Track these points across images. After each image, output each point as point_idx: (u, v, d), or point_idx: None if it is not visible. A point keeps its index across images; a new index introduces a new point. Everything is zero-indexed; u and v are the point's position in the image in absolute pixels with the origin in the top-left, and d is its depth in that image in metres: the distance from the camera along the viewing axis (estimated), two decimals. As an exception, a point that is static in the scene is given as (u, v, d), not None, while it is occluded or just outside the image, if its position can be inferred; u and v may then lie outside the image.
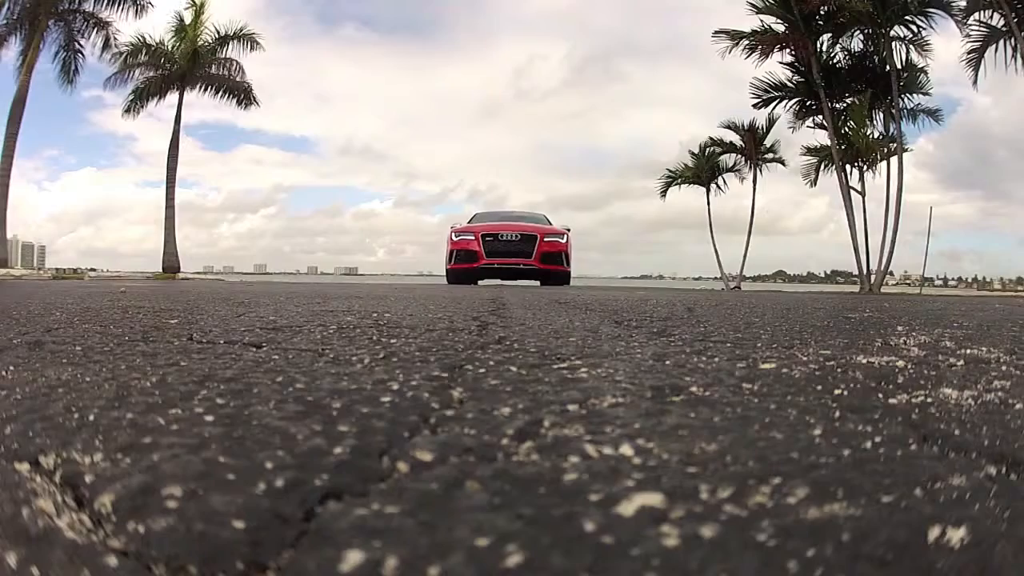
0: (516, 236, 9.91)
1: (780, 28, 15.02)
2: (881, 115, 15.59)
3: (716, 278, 20.47)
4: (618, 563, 0.36)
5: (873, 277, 14.94)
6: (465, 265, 9.86)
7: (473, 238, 9.92)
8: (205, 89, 17.95)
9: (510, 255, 9.85)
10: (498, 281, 10.02)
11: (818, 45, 14.99)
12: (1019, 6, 12.60)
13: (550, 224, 11.07)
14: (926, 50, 14.42)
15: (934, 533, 0.39)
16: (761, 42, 15.35)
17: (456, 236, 10.12)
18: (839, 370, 1.01)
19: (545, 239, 9.97)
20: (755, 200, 19.08)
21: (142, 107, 17.62)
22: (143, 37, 17.02)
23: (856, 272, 15.68)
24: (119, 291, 3.80)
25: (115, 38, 16.82)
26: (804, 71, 15.45)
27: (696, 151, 19.85)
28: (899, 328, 1.89)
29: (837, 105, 15.51)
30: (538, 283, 9.87)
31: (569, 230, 10.73)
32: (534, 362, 1.02)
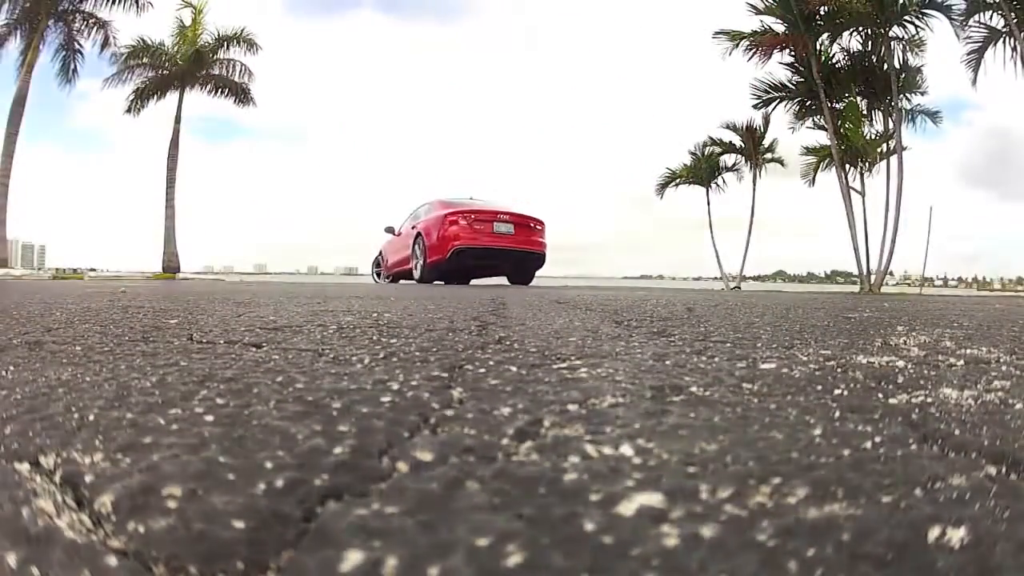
0: None
1: (780, 28, 15.03)
2: (880, 115, 15.61)
3: (716, 278, 20.47)
4: (618, 563, 0.36)
5: (873, 277, 14.95)
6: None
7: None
8: (205, 88, 18.00)
9: None
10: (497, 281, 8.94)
11: (818, 45, 15.01)
12: (1018, 7, 12.61)
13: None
14: (922, 50, 14.47)
15: (934, 533, 0.40)
16: (761, 43, 15.35)
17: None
18: (839, 370, 1.01)
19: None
20: (755, 200, 19.09)
21: (142, 106, 17.66)
22: (143, 39, 17.06)
23: (856, 272, 15.70)
24: (119, 291, 3.81)
25: (115, 38, 16.85)
26: (804, 71, 15.47)
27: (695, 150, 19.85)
28: (899, 328, 1.89)
29: (837, 105, 15.53)
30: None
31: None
32: (534, 362, 1.02)
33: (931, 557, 0.37)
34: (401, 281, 9.67)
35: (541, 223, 8.89)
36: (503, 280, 9.21)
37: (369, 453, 0.54)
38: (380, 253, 10.75)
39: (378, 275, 10.82)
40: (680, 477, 0.49)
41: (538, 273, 9.17)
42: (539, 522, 0.40)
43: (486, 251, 8.23)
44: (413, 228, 9.09)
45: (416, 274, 8.70)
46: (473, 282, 8.83)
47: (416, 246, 8.73)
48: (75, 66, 17.02)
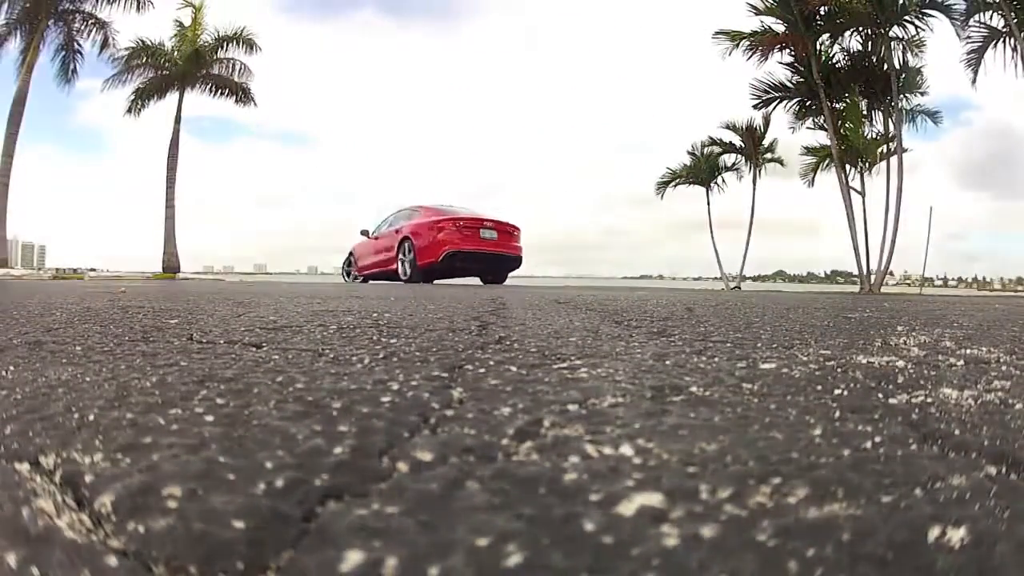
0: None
1: (780, 28, 15.03)
2: (881, 115, 15.60)
3: (716, 278, 20.44)
4: (618, 563, 0.36)
5: (873, 277, 14.94)
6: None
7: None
8: (205, 88, 17.99)
9: None
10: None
11: (818, 45, 14.99)
12: (1018, 7, 12.60)
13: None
14: (922, 51, 14.47)
15: (934, 533, 0.40)
16: (761, 43, 15.34)
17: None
18: (839, 370, 1.01)
19: None
20: (755, 200, 19.07)
21: (143, 107, 17.65)
22: (143, 40, 17.05)
23: (856, 272, 15.69)
24: (119, 291, 3.81)
25: (114, 38, 16.85)
26: (804, 71, 15.46)
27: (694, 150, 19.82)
28: (899, 328, 1.89)
29: (837, 105, 15.51)
30: None
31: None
32: (534, 362, 1.02)
33: (931, 557, 0.37)
34: (371, 281, 10.12)
35: (518, 229, 9.80)
36: (474, 280, 9.76)
37: (369, 453, 0.54)
38: (351, 254, 11.19)
39: (348, 274, 11.22)
40: (680, 477, 0.49)
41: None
42: (539, 522, 0.40)
43: (473, 254, 9.01)
44: (397, 232, 9.74)
45: (404, 275, 9.33)
46: (436, 282, 9.21)
47: (403, 249, 9.38)
48: (75, 66, 17.02)
